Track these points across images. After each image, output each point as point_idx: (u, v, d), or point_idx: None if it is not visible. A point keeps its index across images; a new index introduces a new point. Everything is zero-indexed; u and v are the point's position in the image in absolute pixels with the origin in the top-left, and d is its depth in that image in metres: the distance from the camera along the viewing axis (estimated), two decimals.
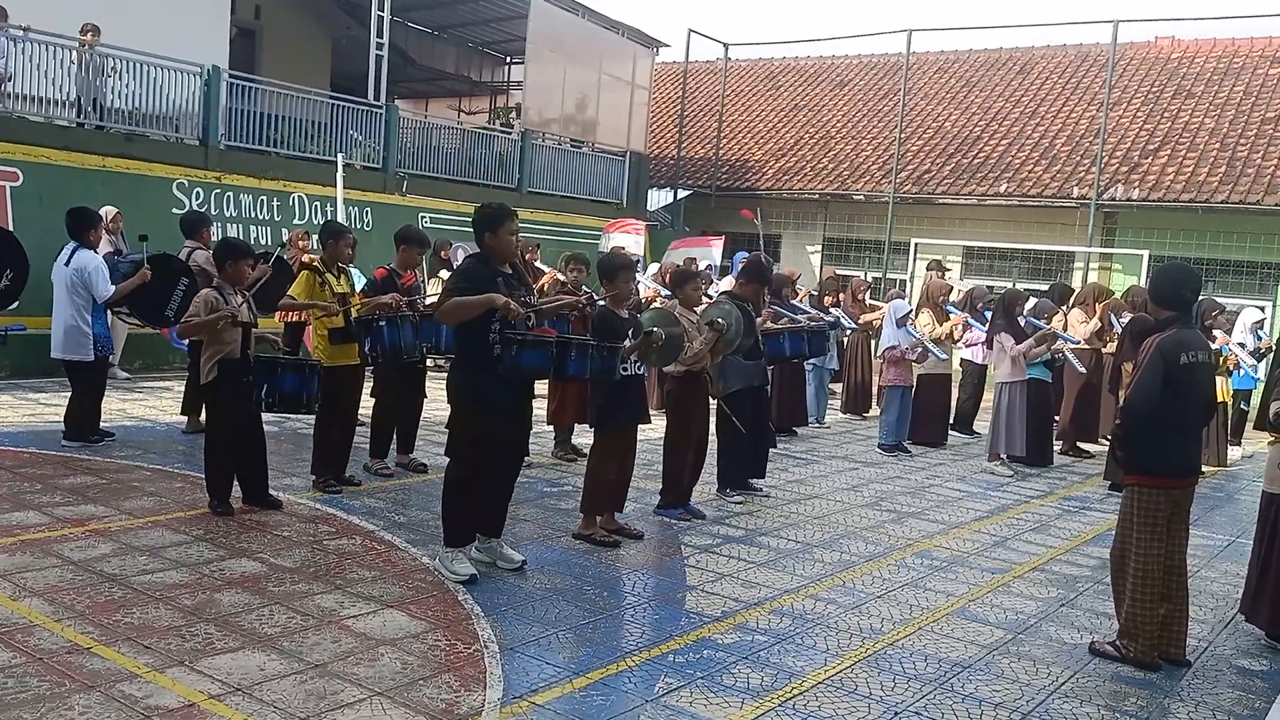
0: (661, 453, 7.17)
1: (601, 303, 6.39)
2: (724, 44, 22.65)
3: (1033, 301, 10.52)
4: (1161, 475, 4.90)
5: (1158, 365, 4.82)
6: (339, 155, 13.40)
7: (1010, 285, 15.40)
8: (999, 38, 23.48)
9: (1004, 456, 9.63)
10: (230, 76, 13.67)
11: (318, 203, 13.91)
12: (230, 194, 13.05)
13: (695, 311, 7.10)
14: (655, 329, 6.27)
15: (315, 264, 7.15)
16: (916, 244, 18.40)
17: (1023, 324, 9.75)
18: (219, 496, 6.31)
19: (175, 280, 8.02)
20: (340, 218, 12.16)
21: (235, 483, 6.44)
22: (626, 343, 6.15)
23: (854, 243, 20.40)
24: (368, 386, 7.59)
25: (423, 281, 7.86)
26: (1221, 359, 9.76)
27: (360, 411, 7.47)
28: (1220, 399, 9.38)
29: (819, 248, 20.90)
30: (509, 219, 5.46)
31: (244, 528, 6.06)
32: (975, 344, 11.10)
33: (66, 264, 7.79)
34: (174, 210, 12.22)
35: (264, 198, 13.42)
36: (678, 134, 22.67)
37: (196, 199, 12.60)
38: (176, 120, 13.14)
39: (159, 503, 6.48)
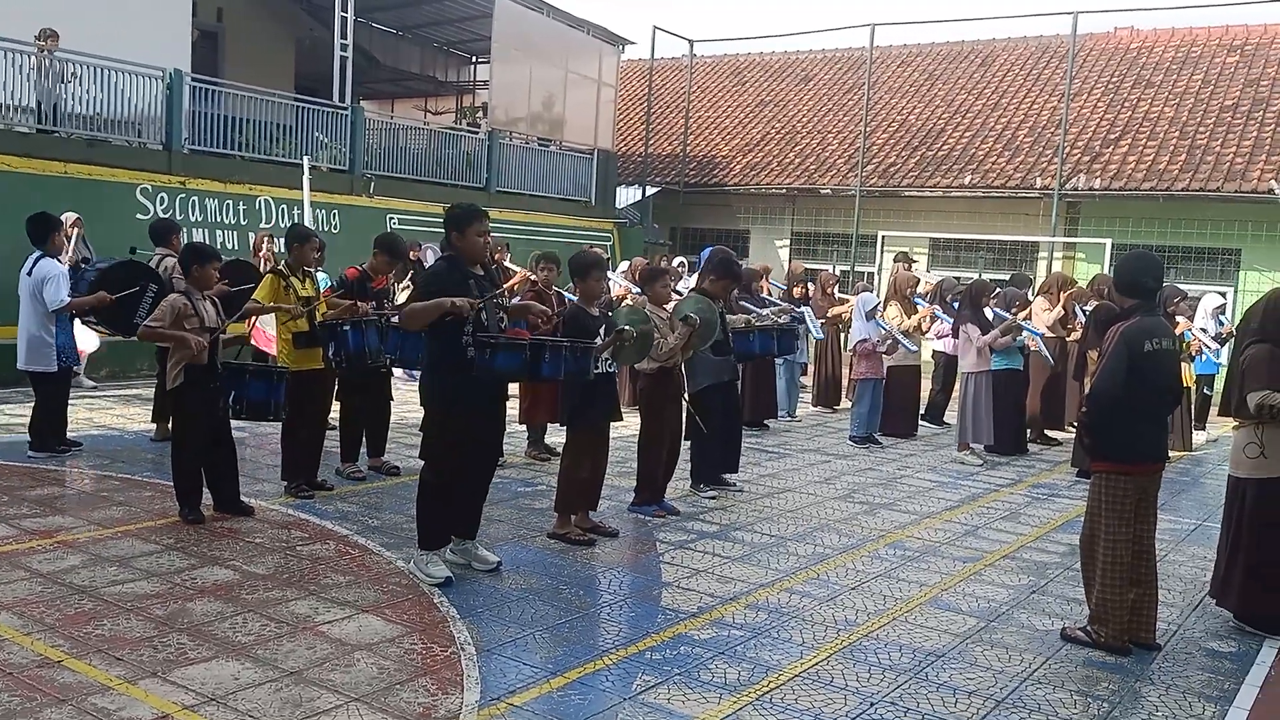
0: (635, 450, 7.19)
1: (573, 299, 6.39)
2: (689, 40, 22.69)
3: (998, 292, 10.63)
4: (1128, 462, 4.96)
5: (1122, 353, 4.87)
6: (305, 158, 13.31)
7: (977, 276, 15.54)
8: (961, 31, 23.65)
9: (973, 446, 9.74)
10: (193, 80, 13.55)
11: (284, 206, 13.80)
12: (195, 198, 12.92)
13: (665, 308, 7.11)
14: (626, 327, 6.28)
15: (280, 268, 7.11)
16: (883, 237, 18.53)
17: (989, 315, 9.85)
18: (189, 504, 6.25)
19: (144, 287, 7.94)
20: (307, 221, 12.08)
21: (206, 490, 6.39)
22: (598, 341, 6.16)
23: (822, 236, 20.51)
24: (337, 390, 7.56)
25: (392, 285, 7.82)
26: (1185, 345, 9.90)
27: (331, 415, 7.44)
28: (1184, 384, 9.52)
29: (787, 242, 20.99)
30: (477, 220, 5.44)
31: (215, 535, 6.01)
32: (945, 335, 11.20)
33: (29, 273, 7.69)
34: (138, 216, 12.10)
35: (229, 202, 13.30)
36: (645, 131, 22.69)
37: (161, 204, 12.47)
38: (139, 125, 13.00)
39: (128, 512, 6.41)
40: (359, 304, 7.04)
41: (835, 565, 6.14)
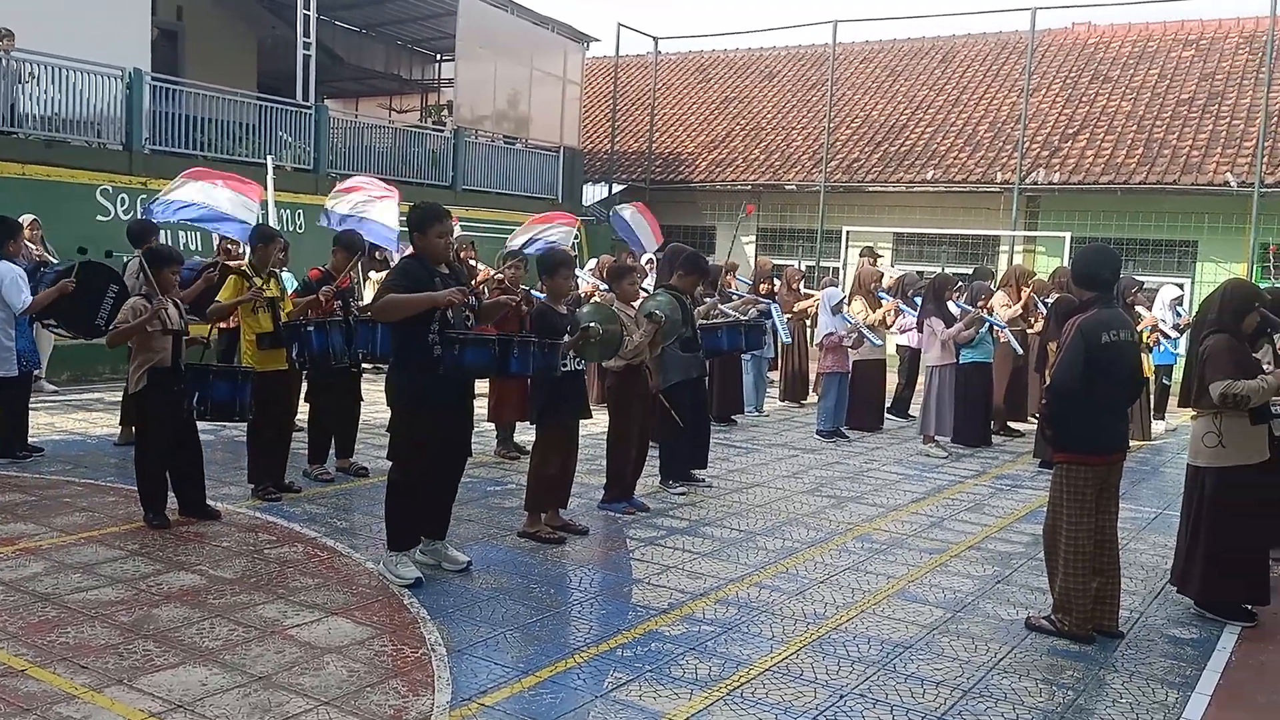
0: (604, 447, 7.20)
1: (541, 297, 6.39)
2: (654, 38, 22.72)
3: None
4: (1088, 452, 5.03)
5: (1079, 345, 4.93)
6: (268, 157, 13.16)
7: (940, 270, 15.69)
8: (921, 27, 23.96)
9: (937, 438, 9.84)
10: (153, 79, 13.40)
11: None
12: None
13: (632, 306, 7.13)
14: (592, 324, 6.29)
15: (244, 268, 7.06)
16: (848, 232, 18.67)
17: (953, 308, 9.95)
18: (153, 509, 6.19)
19: (104, 288, 7.83)
20: (272, 221, 11.95)
21: (171, 494, 6.33)
22: (565, 339, 6.16)
23: (787, 232, 20.62)
24: (304, 390, 7.51)
25: (357, 284, 7.78)
26: (1144, 336, 10.06)
27: (299, 417, 7.39)
28: (1144, 375, 9.68)
29: (753, 238, 21.07)
30: (437, 221, 5.39)
31: (181, 540, 5.96)
32: (909, 329, 11.30)
33: None
34: (99, 218, 11.96)
35: None
36: (611, 128, 22.68)
37: (121, 205, 12.32)
38: (98, 125, 12.84)
39: (92, 518, 6.34)
40: (320, 293, 7.01)
41: (804, 559, 6.19)
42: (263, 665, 4.25)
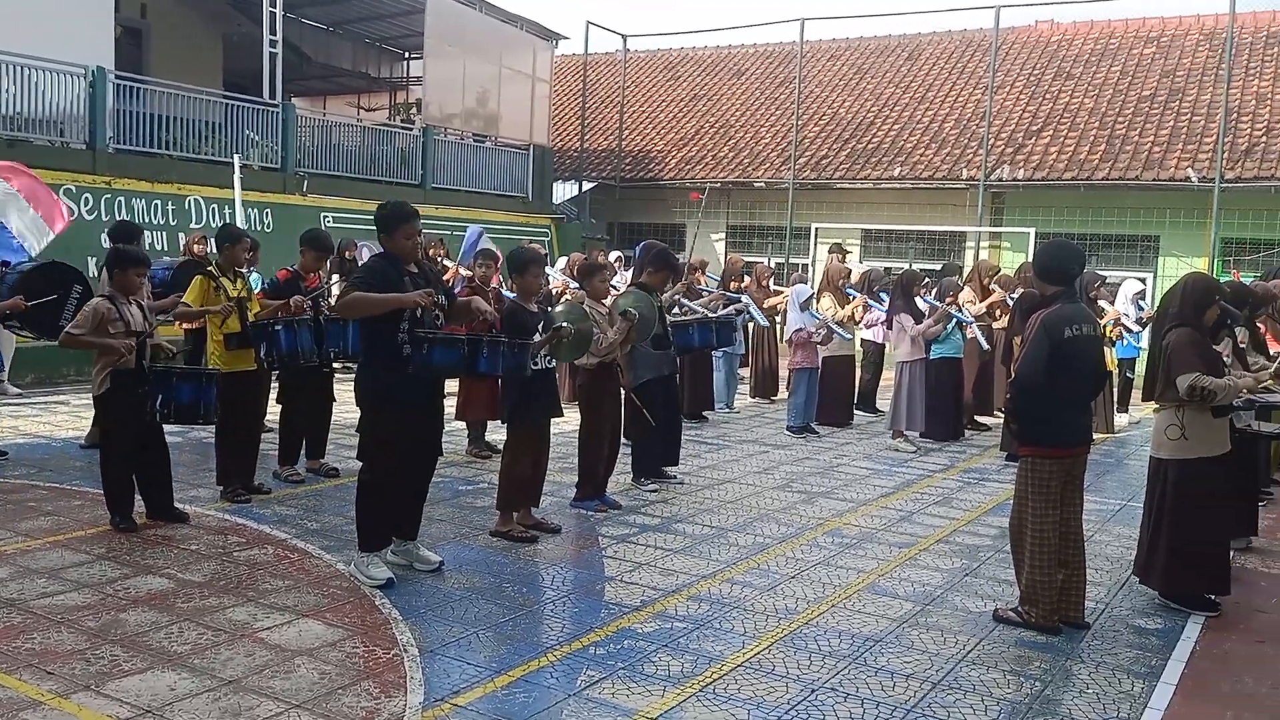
0: (575, 446, 7.21)
1: (511, 296, 6.39)
2: (622, 35, 22.73)
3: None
4: (1052, 445, 5.09)
5: (1042, 339, 4.99)
6: (235, 156, 13.08)
7: (907, 266, 15.80)
8: (888, 25, 24.15)
9: (906, 433, 9.92)
10: (117, 77, 13.24)
11: (215, 205, 13.55)
12: (121, 199, 12.62)
13: (604, 304, 7.15)
14: (564, 325, 6.29)
15: (209, 269, 7.01)
16: (817, 228, 18.76)
17: (922, 304, 10.04)
18: (120, 512, 6.13)
19: (69, 289, 7.74)
20: (239, 220, 11.88)
21: (139, 498, 6.28)
22: (536, 338, 6.16)
23: (757, 229, 20.69)
24: (274, 391, 7.46)
25: (327, 284, 7.76)
26: (1107, 330, 10.19)
27: (268, 417, 7.34)
28: (1107, 368, 9.79)
29: (723, 235, 21.13)
30: (405, 221, 5.36)
31: (148, 543, 5.90)
32: (875, 324, 11.39)
33: None
34: None
35: (158, 202, 13.02)
36: (580, 126, 22.66)
37: (85, 205, 12.17)
38: (61, 124, 12.68)
39: (57, 522, 6.27)
40: (291, 301, 6.97)
41: (775, 555, 6.23)
42: (232, 669, 4.23)
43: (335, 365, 7.77)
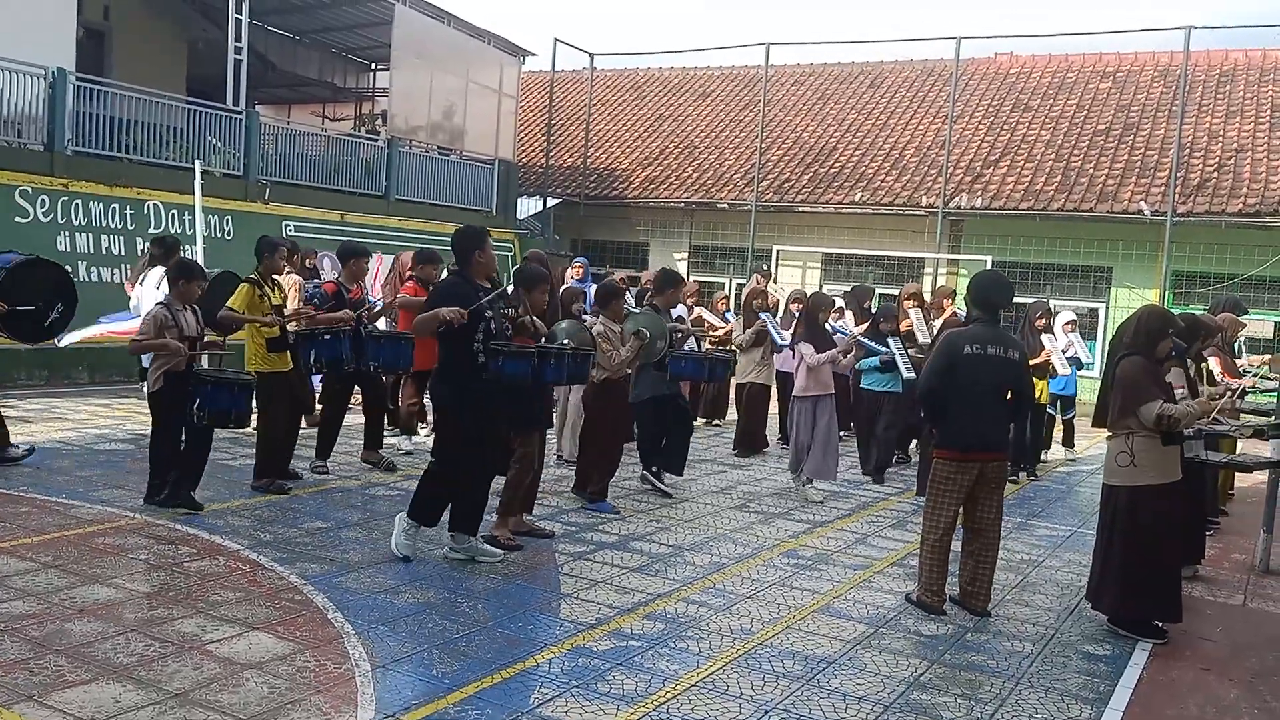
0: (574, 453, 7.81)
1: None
2: (590, 54, 22.80)
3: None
4: (948, 447, 5.71)
5: (942, 351, 5.76)
6: (197, 162, 12.93)
7: (817, 289, 15.64)
8: (851, 53, 24.32)
9: (811, 480, 8.63)
10: (77, 79, 13.07)
11: (175, 211, 13.39)
12: (79, 202, 12.44)
13: (618, 324, 7.71)
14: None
15: (253, 276, 7.48)
16: (778, 250, 18.91)
17: (831, 331, 8.90)
18: (154, 495, 6.82)
19: (53, 296, 7.57)
20: (199, 227, 11.74)
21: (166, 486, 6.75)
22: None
23: (719, 250, 20.81)
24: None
25: (366, 298, 8.39)
26: (1045, 366, 9.98)
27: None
28: (1038, 399, 9.77)
29: (685, 255, 21.23)
30: (479, 245, 5.92)
31: (97, 552, 5.80)
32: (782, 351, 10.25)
33: None
34: (17, 219, 11.65)
35: (116, 206, 12.84)
36: (546, 142, 22.69)
37: (41, 207, 11.98)
38: (19, 124, 12.48)
39: (3, 529, 6.13)
40: (343, 315, 7.76)
41: (731, 574, 6.25)
42: (179, 682, 4.16)
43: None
